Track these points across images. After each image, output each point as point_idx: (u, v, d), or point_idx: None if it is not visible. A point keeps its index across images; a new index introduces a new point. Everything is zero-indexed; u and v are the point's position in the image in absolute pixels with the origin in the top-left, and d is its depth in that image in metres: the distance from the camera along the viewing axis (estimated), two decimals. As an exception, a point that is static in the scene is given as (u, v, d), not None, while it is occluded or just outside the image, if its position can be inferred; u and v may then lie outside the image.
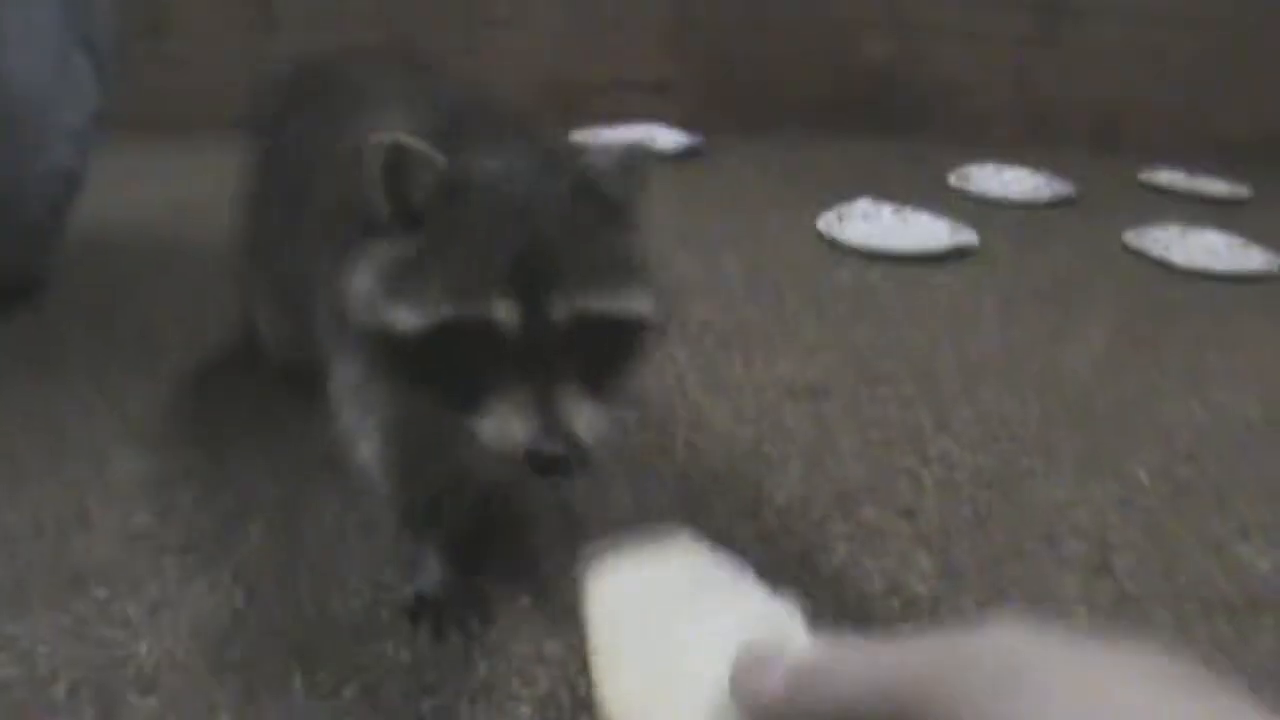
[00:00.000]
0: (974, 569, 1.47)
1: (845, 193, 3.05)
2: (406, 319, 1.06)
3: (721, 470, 1.67)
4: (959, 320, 2.36)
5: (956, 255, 2.78)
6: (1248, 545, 1.57)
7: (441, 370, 1.07)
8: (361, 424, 1.25)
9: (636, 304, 1.13)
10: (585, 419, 1.04)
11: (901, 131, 4.07)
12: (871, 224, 2.89)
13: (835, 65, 4.17)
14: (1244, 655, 1.33)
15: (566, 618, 1.30)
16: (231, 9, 3.87)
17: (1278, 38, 4.32)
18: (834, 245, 2.80)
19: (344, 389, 1.25)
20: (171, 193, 2.96)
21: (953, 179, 3.54)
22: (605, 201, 1.14)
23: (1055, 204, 3.42)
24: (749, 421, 1.85)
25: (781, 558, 1.45)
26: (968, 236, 2.86)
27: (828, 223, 2.90)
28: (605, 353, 1.10)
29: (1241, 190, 3.80)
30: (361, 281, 1.10)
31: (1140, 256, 2.91)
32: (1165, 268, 2.84)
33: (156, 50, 3.78)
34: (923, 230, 2.87)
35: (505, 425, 1.03)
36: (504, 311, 1.04)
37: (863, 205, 2.97)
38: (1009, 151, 3.76)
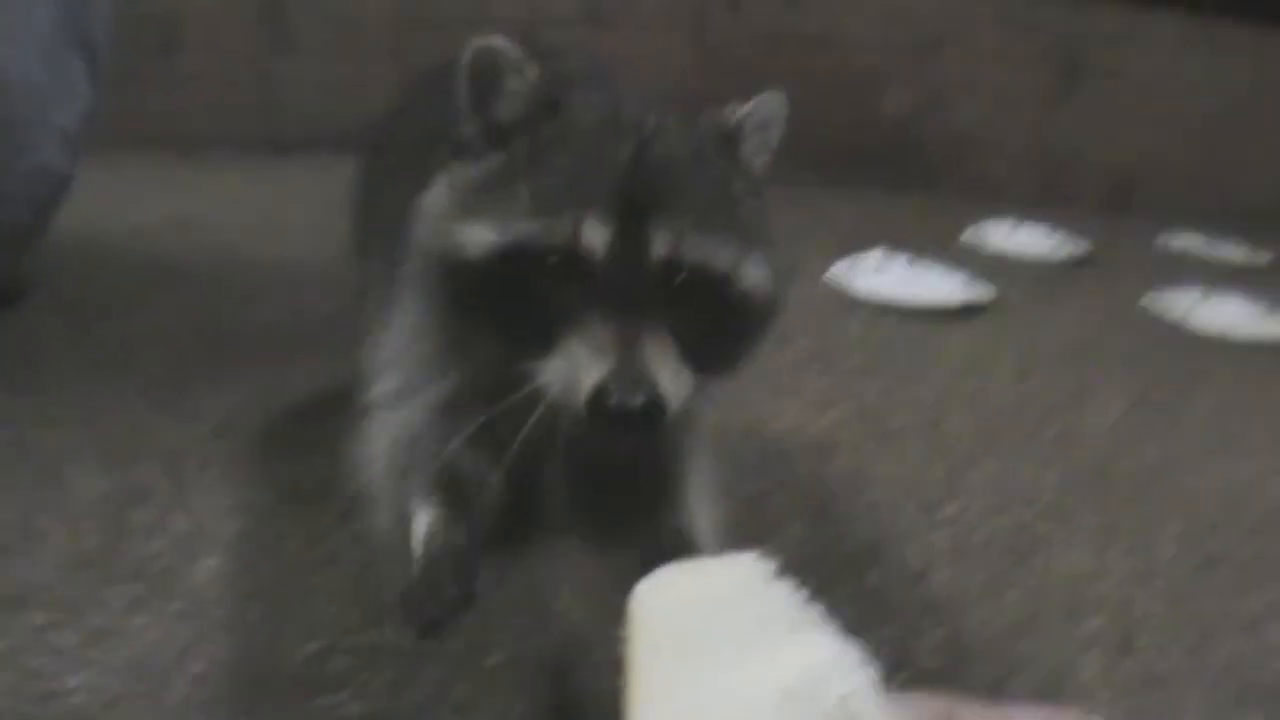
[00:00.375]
0: (986, 643, 1.36)
1: (859, 243, 2.96)
2: (480, 237, 0.92)
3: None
4: (972, 377, 2.26)
5: (970, 311, 2.69)
6: (1280, 627, 1.46)
7: (512, 304, 0.92)
8: (395, 395, 1.11)
9: (749, 267, 0.98)
10: (670, 372, 0.89)
11: (918, 185, 4.00)
12: (885, 276, 2.80)
13: (855, 116, 4.10)
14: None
15: (540, 678, 1.19)
16: (246, 29, 3.81)
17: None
18: (846, 296, 2.71)
19: (386, 350, 1.12)
20: (172, 209, 2.88)
21: (968, 234, 3.46)
22: (732, 150, 1.02)
23: (1071, 264, 3.34)
24: (752, 474, 1.74)
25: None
26: (982, 292, 2.77)
27: (841, 273, 2.81)
28: (705, 313, 0.95)
29: (1261, 256, 3.72)
30: (435, 201, 0.97)
31: (1159, 320, 2.82)
32: (1184, 332, 2.74)
33: (169, 67, 3.72)
34: (936, 284, 2.78)
35: (577, 365, 0.88)
36: (596, 236, 0.90)
37: (877, 257, 2.88)
38: (1025, 209, 3.68)
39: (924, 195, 3.88)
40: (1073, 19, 4.18)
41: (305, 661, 1.20)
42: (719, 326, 0.98)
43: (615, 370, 0.87)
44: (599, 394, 0.87)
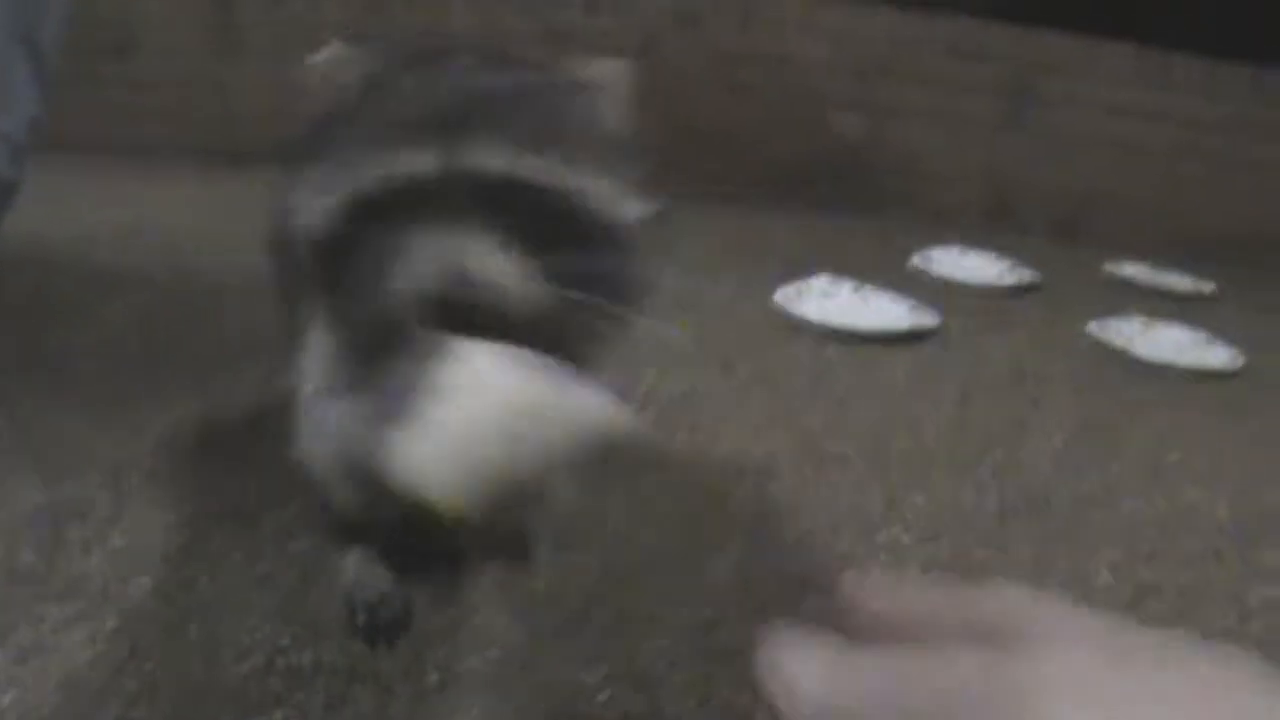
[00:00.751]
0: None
1: (805, 267, 2.99)
2: (321, 205, 0.94)
3: (655, 548, 1.57)
4: (914, 403, 2.28)
5: (915, 337, 2.72)
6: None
7: (364, 261, 0.92)
8: (325, 391, 1.11)
9: (595, 187, 0.96)
10: (508, 272, 0.88)
11: (866, 209, 4.04)
12: (830, 301, 2.82)
13: (804, 139, 4.14)
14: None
15: (478, 698, 1.20)
16: (197, 33, 3.79)
17: (1248, 138, 4.34)
18: (790, 320, 2.73)
19: (312, 346, 1.12)
20: (123, 216, 2.85)
21: (916, 260, 3.49)
22: (568, 94, 1.01)
23: (1018, 291, 3.38)
24: (689, 498, 1.75)
25: (716, 648, 1.35)
26: (928, 319, 2.80)
27: (785, 297, 2.83)
28: (552, 230, 0.92)
29: (1206, 286, 3.78)
30: (298, 196, 0.99)
31: (1102, 348, 2.86)
32: (1127, 360, 2.79)
33: (121, 72, 3.69)
34: (882, 310, 2.81)
35: (411, 273, 0.88)
36: (418, 162, 0.89)
37: (822, 282, 2.91)
38: (974, 236, 3.72)
39: (872, 220, 3.92)
40: (1023, 47, 4.25)
41: (241, 680, 1.20)
42: (570, 244, 0.94)
43: (439, 269, 0.87)
44: (423, 293, 0.87)
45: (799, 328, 2.68)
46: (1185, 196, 4.41)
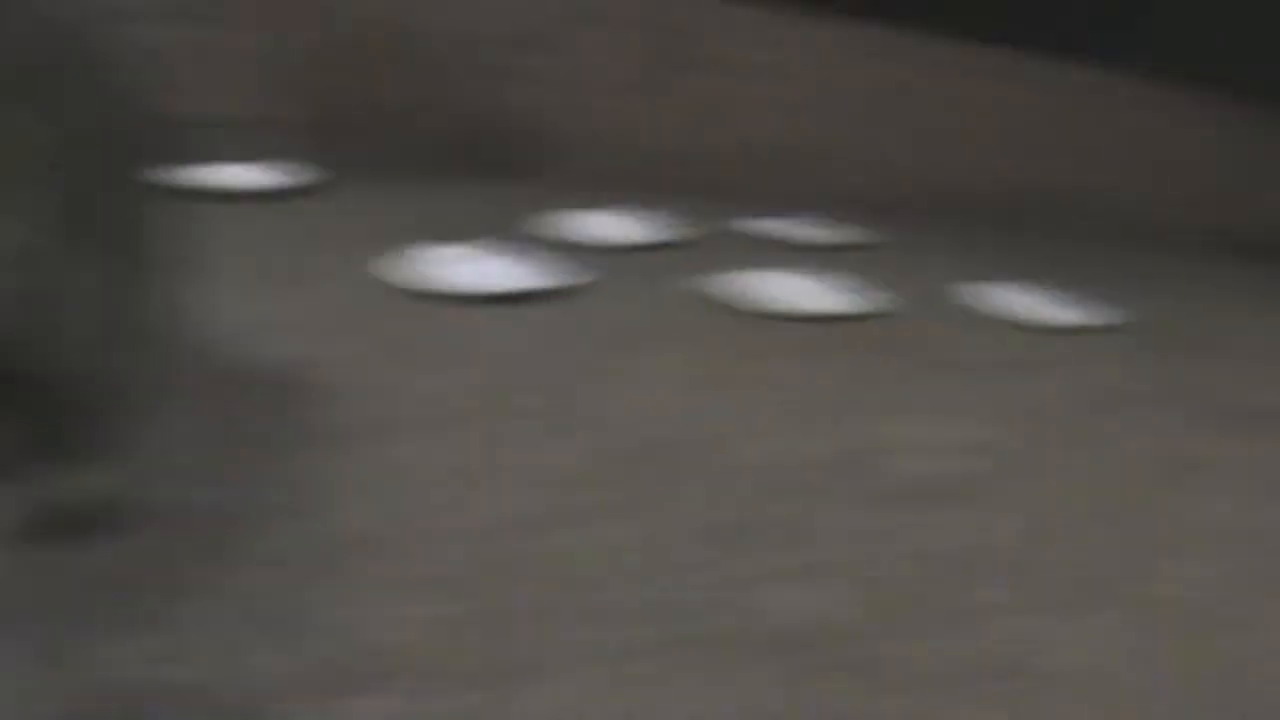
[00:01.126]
0: (495, 619, 1.40)
1: (446, 233, 2.99)
2: None
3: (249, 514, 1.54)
4: (534, 362, 2.32)
5: (546, 297, 2.76)
6: (800, 586, 1.58)
7: None
8: None
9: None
10: None
11: (507, 175, 4.07)
12: (466, 266, 2.83)
13: (450, 111, 4.12)
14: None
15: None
16: None
17: (890, 93, 4.60)
18: (427, 285, 2.72)
19: None
20: None
21: (554, 222, 3.54)
22: None
23: (655, 249, 3.48)
24: (263, 463, 1.71)
25: (259, 612, 1.33)
26: (565, 278, 2.85)
27: (423, 263, 2.82)
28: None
29: (842, 236, 3.99)
30: None
31: (730, 300, 2.99)
32: (752, 310, 2.92)
33: None
34: (516, 272, 2.84)
35: None
36: None
37: (460, 248, 2.91)
38: (615, 197, 3.81)
39: (517, 185, 3.95)
40: (671, 11, 4.35)
41: None
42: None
43: None
44: None
45: (434, 293, 2.68)
46: (828, 153, 4.65)
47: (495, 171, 4.04)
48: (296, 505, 1.60)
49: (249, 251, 2.71)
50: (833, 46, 4.57)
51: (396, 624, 1.36)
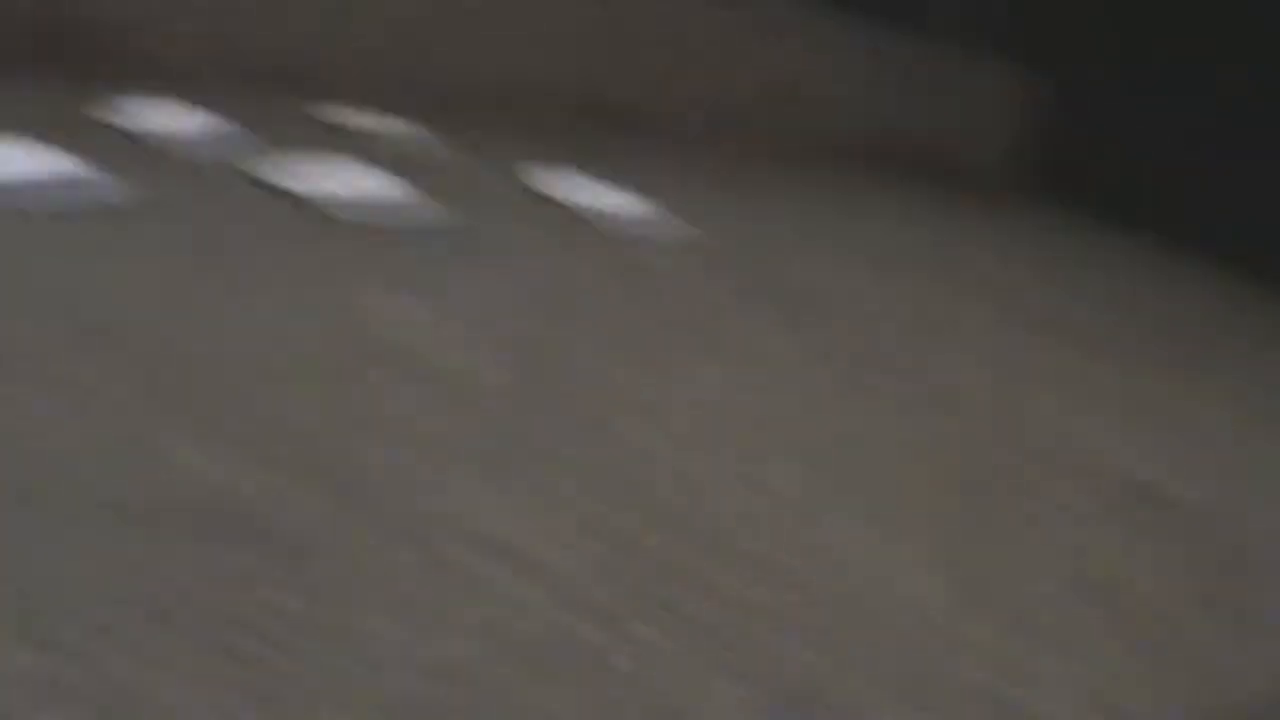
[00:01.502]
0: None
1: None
2: None
3: None
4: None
5: (79, 194, 2.81)
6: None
7: None
8: None
9: None
10: None
11: (75, 65, 3.94)
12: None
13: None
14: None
15: None
16: None
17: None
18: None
19: None
20: None
21: (111, 115, 3.51)
22: None
23: (219, 142, 3.53)
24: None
25: None
26: (102, 174, 2.90)
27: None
28: None
29: (411, 131, 4.14)
30: None
31: (286, 194, 3.13)
32: (302, 203, 3.07)
33: None
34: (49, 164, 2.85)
35: None
36: None
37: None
38: (184, 88, 3.81)
39: (83, 75, 3.87)
40: None
41: None
42: None
43: None
44: None
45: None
46: (415, 48, 4.74)
47: (61, 61, 3.94)
48: None
49: None
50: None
51: None
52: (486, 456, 2.04)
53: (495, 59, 4.96)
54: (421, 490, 1.87)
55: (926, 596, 2.01)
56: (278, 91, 4.27)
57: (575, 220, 3.62)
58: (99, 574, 1.44)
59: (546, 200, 3.71)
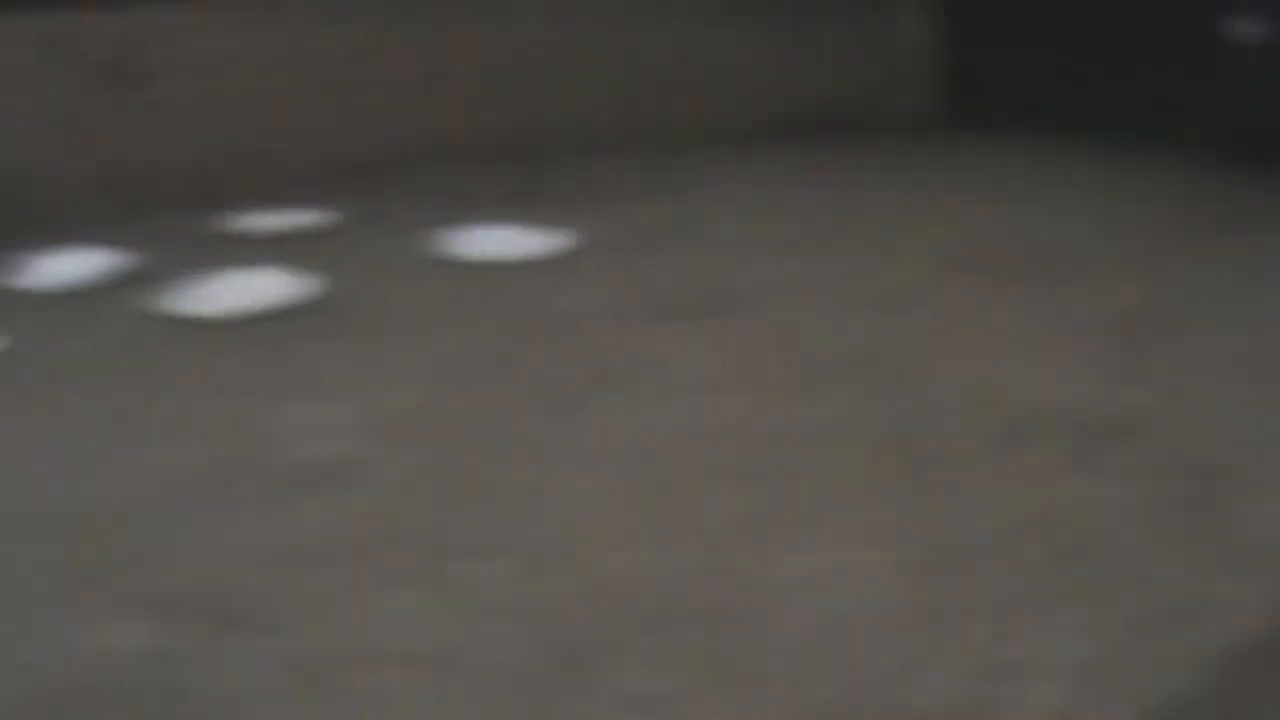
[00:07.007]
0: None
1: None
2: None
3: None
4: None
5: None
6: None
7: None
8: None
9: None
10: None
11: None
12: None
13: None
14: None
15: None
16: None
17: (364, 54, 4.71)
18: None
19: None
20: None
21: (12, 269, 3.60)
22: None
23: (114, 281, 3.53)
24: None
25: None
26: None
27: None
28: None
29: (308, 220, 4.16)
30: None
31: (176, 318, 3.19)
32: (192, 320, 3.15)
33: None
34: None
35: None
36: None
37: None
38: (74, 234, 3.86)
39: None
40: (115, 27, 4.32)
41: None
42: None
43: None
44: None
45: None
46: (308, 136, 4.71)
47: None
48: None
49: None
50: (295, 23, 4.63)
51: None
52: (387, 561, 2.04)
53: (384, 129, 4.88)
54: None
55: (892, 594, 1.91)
56: (182, 209, 4.28)
57: (479, 277, 3.59)
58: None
59: (453, 263, 3.69)
